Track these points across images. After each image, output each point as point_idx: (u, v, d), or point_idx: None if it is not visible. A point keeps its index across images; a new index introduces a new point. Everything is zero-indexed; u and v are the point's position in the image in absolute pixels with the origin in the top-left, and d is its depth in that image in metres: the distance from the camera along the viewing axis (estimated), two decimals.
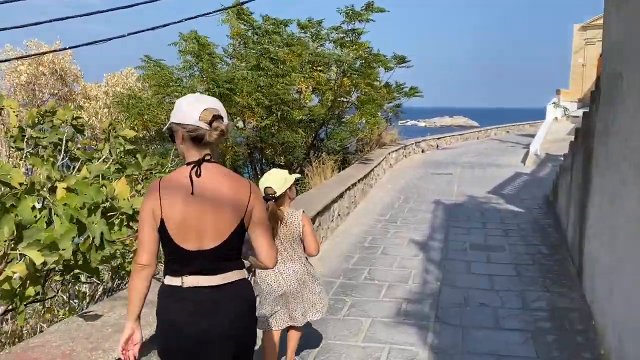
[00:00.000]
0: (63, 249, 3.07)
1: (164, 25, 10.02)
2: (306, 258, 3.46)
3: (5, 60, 11.06)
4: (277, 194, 3.22)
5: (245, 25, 12.65)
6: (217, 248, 1.90)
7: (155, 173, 5.31)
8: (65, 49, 12.17)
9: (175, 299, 1.93)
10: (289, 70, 11.43)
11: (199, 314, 1.90)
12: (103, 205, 3.33)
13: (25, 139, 5.19)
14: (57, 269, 3.28)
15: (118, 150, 5.38)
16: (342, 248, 7.17)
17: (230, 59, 12.51)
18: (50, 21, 9.42)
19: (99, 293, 5.21)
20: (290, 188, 3.32)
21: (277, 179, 3.25)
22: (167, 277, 1.96)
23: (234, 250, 1.96)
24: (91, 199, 3.32)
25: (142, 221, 1.92)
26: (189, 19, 9.85)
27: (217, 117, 1.90)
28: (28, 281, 3.05)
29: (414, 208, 10.03)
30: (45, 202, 3.40)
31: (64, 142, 5.40)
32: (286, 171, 3.40)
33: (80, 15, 9.40)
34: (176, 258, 1.92)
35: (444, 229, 8.24)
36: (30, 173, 5.10)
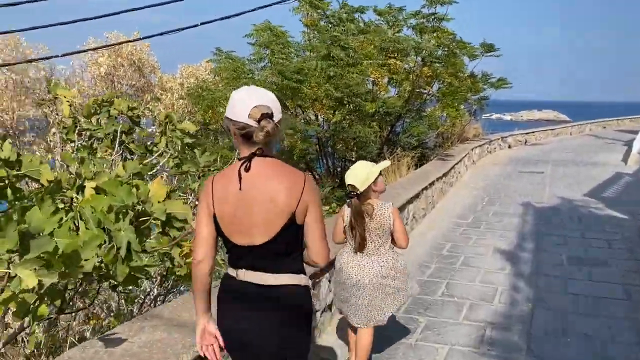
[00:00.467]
0: (85, 260, 2.66)
1: (238, 14, 9.72)
2: (394, 255, 3.38)
3: (82, 52, 11.25)
4: (360, 191, 3.21)
5: (318, 13, 12.14)
6: (268, 244, 1.90)
7: (213, 170, 4.92)
8: (139, 39, 12.25)
9: (229, 291, 2.00)
10: (360, 58, 10.78)
11: (243, 311, 1.95)
12: (134, 209, 2.88)
13: (77, 131, 4.92)
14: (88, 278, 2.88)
15: (177, 144, 5.03)
16: (417, 255, 6.47)
17: (302, 50, 12.05)
18: (118, 13, 9.28)
19: (154, 293, 4.89)
20: (375, 182, 3.25)
21: (358, 175, 3.22)
22: (228, 267, 2.02)
23: (286, 246, 1.93)
24: (121, 201, 2.87)
25: (198, 216, 1.97)
26: (264, 7, 9.46)
27: (266, 116, 1.85)
28: (45, 296, 2.66)
29: (500, 211, 9.10)
30: (73, 204, 3.02)
31: (119, 134, 5.09)
32: (370, 164, 3.33)
33: (152, 6, 9.24)
34: (232, 251, 1.97)
35: (535, 237, 7.31)
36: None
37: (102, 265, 2.71)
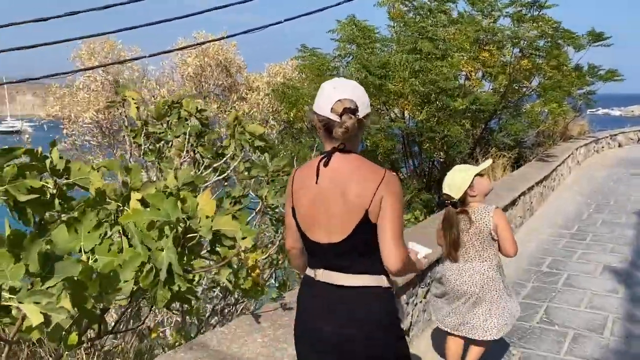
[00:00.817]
0: (125, 281, 2.40)
1: (321, 10, 9.40)
2: (498, 263, 3.21)
3: (167, 52, 11.46)
4: (455, 199, 3.14)
5: (405, 4, 11.55)
6: (343, 242, 1.85)
7: (283, 175, 4.62)
8: (222, 38, 12.30)
9: (307, 291, 2.00)
10: (451, 51, 10.08)
11: (320, 312, 1.92)
12: (180, 225, 2.58)
13: (143, 134, 4.78)
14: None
15: (245, 147, 4.79)
16: (511, 271, 5.78)
17: (388, 44, 11.53)
18: (204, 12, 9.25)
19: (220, 306, 4.67)
20: (471, 186, 3.14)
21: (452, 182, 3.16)
22: (308, 267, 2.02)
23: (364, 246, 1.86)
24: (166, 215, 2.57)
25: (286, 205, 2.03)
26: (347, 1, 9.08)
27: (348, 111, 1.80)
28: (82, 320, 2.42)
29: (609, 220, 8.07)
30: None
31: (187, 136, 4.91)
32: (466, 168, 3.23)
33: (236, 3, 9.15)
34: (309, 249, 1.97)
35: None
36: (149, 174, 4.72)
37: (140, 288, 2.44)
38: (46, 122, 15.75)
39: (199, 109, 4.89)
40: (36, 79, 7.33)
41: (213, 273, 3.07)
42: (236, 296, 4.49)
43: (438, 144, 10.79)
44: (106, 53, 14.57)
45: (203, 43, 12.50)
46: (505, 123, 11.62)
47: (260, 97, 14.53)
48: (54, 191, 2.86)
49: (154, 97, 13.98)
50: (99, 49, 14.59)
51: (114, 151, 13.94)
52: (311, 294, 1.98)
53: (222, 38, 12.17)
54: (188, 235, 2.65)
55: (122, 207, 2.88)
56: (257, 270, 3.42)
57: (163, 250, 2.50)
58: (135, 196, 2.84)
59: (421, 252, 2.30)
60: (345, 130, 1.80)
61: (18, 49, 9.22)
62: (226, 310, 4.52)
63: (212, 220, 2.66)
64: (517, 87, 11.53)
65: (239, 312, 4.68)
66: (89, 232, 2.57)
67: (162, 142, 4.88)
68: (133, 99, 4.80)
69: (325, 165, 1.87)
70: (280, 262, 4.76)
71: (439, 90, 10.09)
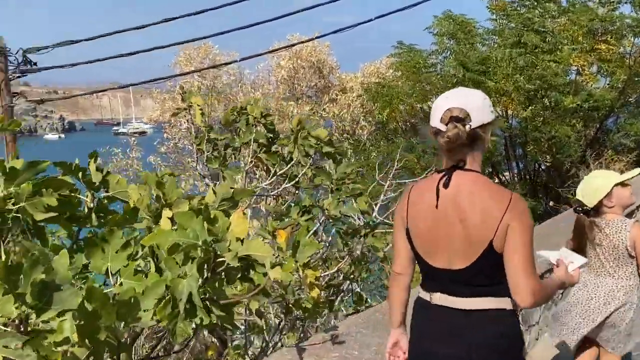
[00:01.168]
0: (145, 310, 2.17)
1: (414, 5, 8.92)
2: (636, 283, 2.96)
3: (259, 55, 11.54)
4: (588, 207, 2.94)
5: None
6: (466, 270, 1.74)
7: (349, 184, 4.28)
8: (311, 39, 12.09)
9: (423, 314, 1.90)
10: (560, 43, 9.13)
11: (438, 335, 1.84)
12: (208, 249, 2.31)
13: (205, 140, 4.63)
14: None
15: (310, 153, 4.49)
16: None
17: (489, 37, 10.76)
18: (295, 12, 9.13)
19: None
20: (609, 195, 2.89)
21: (586, 187, 2.97)
22: (420, 289, 1.92)
23: (489, 276, 1.75)
24: (194, 237, 2.31)
25: (395, 226, 1.92)
26: None
27: (454, 119, 1.68)
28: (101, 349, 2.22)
29: None
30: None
31: (251, 143, 4.69)
32: (605, 175, 3.05)
33: (326, 3, 8.93)
34: (425, 272, 1.88)
35: None
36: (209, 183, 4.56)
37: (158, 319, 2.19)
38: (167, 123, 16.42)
39: (263, 114, 4.64)
40: (125, 86, 7.59)
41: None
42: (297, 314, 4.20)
43: (544, 145, 9.87)
44: (202, 58, 14.98)
45: (293, 45, 12.42)
46: (624, 122, 10.40)
47: (351, 98, 14.24)
48: (92, 205, 2.70)
49: (249, 101, 14.17)
50: (195, 54, 15.04)
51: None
52: (427, 317, 1.88)
53: (312, 39, 12.02)
54: (219, 260, 2.38)
55: (154, 225, 2.66)
56: (317, 290, 3.11)
57: (184, 278, 2.22)
58: (166, 214, 2.60)
59: (576, 262, 2.09)
60: (447, 139, 1.69)
61: (119, 56, 9.62)
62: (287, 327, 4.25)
63: (242, 244, 2.36)
64: (638, 82, 10.26)
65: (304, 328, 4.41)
66: (116, 252, 2.36)
67: (230, 148, 4.70)
68: (198, 105, 4.67)
69: (445, 186, 1.75)
70: (355, 275, 4.46)
71: (546, 86, 9.20)
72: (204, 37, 11.91)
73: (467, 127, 1.69)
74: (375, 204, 6.82)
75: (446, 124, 1.69)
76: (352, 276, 4.55)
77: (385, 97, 11.41)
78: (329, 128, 15.80)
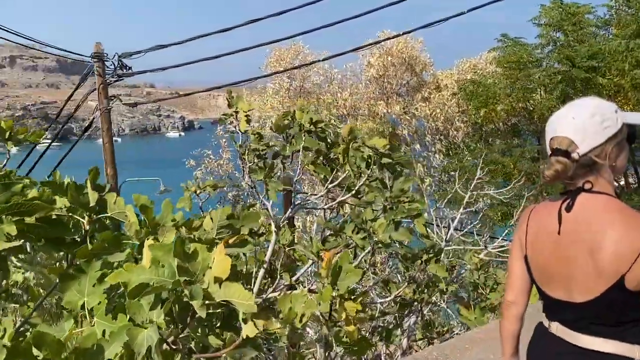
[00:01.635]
0: None
1: None
2: None
3: (345, 52, 11.07)
4: None
5: None
6: (587, 305, 1.60)
7: (407, 202, 3.80)
8: (397, 35, 11.37)
9: (540, 342, 1.80)
10: None
11: None
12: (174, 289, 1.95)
13: (246, 149, 4.27)
14: None
15: (360, 165, 4.03)
16: None
17: (603, 28, 9.54)
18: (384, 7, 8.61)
19: None
20: None
21: None
22: (543, 315, 1.80)
23: (612, 314, 1.59)
24: (170, 275, 1.95)
25: (511, 251, 1.82)
26: None
27: (556, 152, 1.58)
28: None
29: None
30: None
31: (300, 151, 4.29)
32: None
33: None
34: (544, 301, 1.77)
35: None
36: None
37: None
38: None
39: (314, 120, 4.20)
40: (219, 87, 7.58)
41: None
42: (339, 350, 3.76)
43: None
44: (291, 58, 14.79)
45: (380, 41, 11.80)
46: None
47: (446, 97, 13.40)
48: (87, 228, 2.43)
49: (336, 100, 13.84)
50: (285, 54, 14.87)
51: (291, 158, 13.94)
52: (544, 346, 1.78)
53: (401, 34, 11.34)
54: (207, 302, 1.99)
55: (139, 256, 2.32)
56: (352, 327, 2.70)
57: (146, 326, 1.87)
58: (149, 242, 2.24)
59: None
60: (553, 174, 1.59)
61: (206, 59, 9.65)
62: None
63: (220, 287, 1.95)
64: None
65: None
66: (93, 286, 2.08)
67: (280, 158, 4.31)
68: (244, 110, 4.33)
69: (568, 209, 1.63)
70: (422, 298, 4.01)
71: None
72: (290, 37, 11.70)
73: (575, 155, 1.56)
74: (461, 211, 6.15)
75: (550, 154, 1.61)
76: (415, 301, 4.08)
77: (480, 97, 10.50)
78: (420, 128, 15.09)
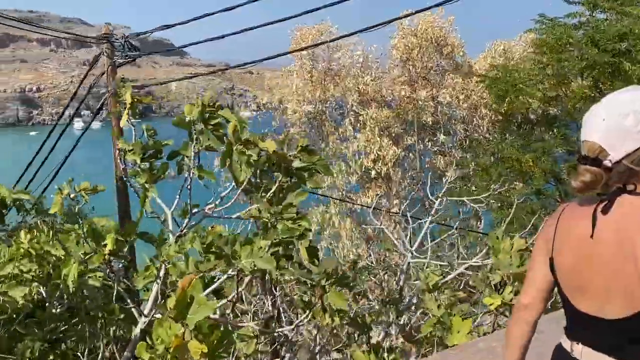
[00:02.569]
0: None
1: None
2: None
3: (357, 32, 10.34)
4: None
5: None
6: (626, 322, 1.44)
7: (290, 219, 3.38)
8: (420, 10, 10.30)
9: None
10: None
11: None
12: None
13: (132, 148, 3.87)
14: None
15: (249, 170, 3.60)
16: None
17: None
18: None
19: None
20: None
21: None
22: (563, 333, 1.64)
23: None
24: None
25: (535, 250, 1.70)
26: None
27: (584, 161, 1.47)
28: None
29: None
30: None
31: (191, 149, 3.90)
32: None
33: None
34: (569, 315, 1.61)
35: None
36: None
37: None
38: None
39: (208, 116, 3.69)
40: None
41: None
42: None
43: None
44: (315, 38, 14.03)
45: (397, 18, 10.84)
46: None
47: (473, 83, 12.42)
48: None
49: (357, 84, 13.16)
50: (307, 34, 14.16)
51: (322, 144, 13.57)
52: None
53: (422, 10, 10.41)
54: None
55: None
56: None
57: None
58: None
59: None
60: (581, 185, 1.47)
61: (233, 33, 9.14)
62: None
63: None
64: None
65: None
66: None
67: (181, 157, 3.83)
68: (128, 101, 3.91)
69: (605, 212, 1.47)
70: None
71: None
72: (313, 10, 11.01)
73: (607, 163, 1.44)
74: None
75: (578, 160, 1.49)
76: None
77: (502, 85, 9.55)
78: (444, 114, 14.09)
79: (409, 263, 5.21)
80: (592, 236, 1.48)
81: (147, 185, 3.67)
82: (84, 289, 3.43)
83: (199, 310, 2.41)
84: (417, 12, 9.77)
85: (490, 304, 3.36)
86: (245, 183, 3.33)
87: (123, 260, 3.63)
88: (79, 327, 3.44)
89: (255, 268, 2.92)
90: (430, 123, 12.97)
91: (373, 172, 11.83)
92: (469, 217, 10.42)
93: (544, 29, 10.15)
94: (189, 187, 3.59)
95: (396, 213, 9.35)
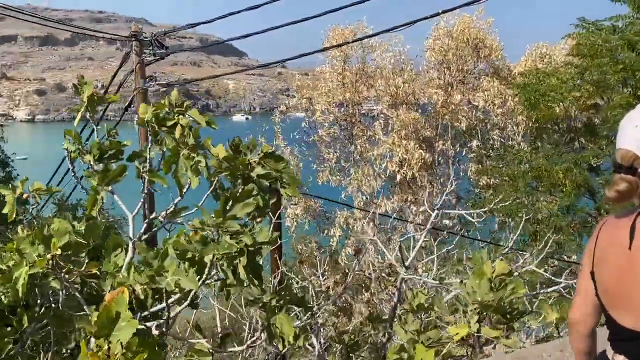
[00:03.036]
0: None
1: None
2: None
3: (384, 31, 10.03)
4: None
5: None
6: None
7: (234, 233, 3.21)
8: (454, 8, 9.72)
9: None
10: None
11: None
12: None
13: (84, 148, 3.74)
14: None
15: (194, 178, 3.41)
16: None
17: None
18: None
19: None
20: None
21: None
22: (608, 342, 1.64)
23: None
24: None
25: (582, 264, 1.68)
26: None
27: (619, 168, 1.46)
28: None
29: None
30: None
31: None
32: None
33: None
34: (609, 327, 1.61)
35: None
36: None
37: None
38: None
39: (160, 117, 3.52)
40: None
41: None
42: None
43: None
44: (347, 38, 13.69)
45: (432, 15, 10.35)
46: None
47: (497, 91, 11.85)
48: None
49: (389, 87, 12.80)
50: (340, 35, 13.84)
51: (351, 146, 13.30)
52: None
53: (457, 7, 9.91)
54: None
55: None
56: None
57: None
58: None
59: None
60: (616, 194, 1.47)
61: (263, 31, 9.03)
62: None
63: None
64: None
65: None
66: None
67: (142, 159, 3.70)
68: (85, 99, 3.79)
69: None
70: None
71: None
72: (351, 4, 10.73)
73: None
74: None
75: (613, 171, 1.50)
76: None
77: (531, 93, 9.02)
78: (477, 119, 13.46)
79: (402, 279, 4.94)
80: (630, 248, 1.47)
81: (98, 188, 3.54)
82: (47, 291, 3.35)
83: (123, 328, 2.27)
84: (443, 12, 9.28)
85: (455, 334, 3.06)
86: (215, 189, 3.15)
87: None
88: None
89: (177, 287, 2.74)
90: (464, 128, 12.49)
91: (398, 176, 11.50)
92: (495, 230, 9.94)
93: (583, 34, 9.57)
94: (145, 191, 3.45)
95: (415, 222, 9.00)
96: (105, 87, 12.14)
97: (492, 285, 3.51)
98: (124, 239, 3.47)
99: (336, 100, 13.43)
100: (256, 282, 3.07)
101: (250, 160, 3.27)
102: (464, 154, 12.91)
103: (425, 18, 10.84)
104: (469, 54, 12.90)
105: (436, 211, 5.26)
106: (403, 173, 11.40)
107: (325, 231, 12.19)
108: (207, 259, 2.77)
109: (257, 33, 8.70)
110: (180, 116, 3.40)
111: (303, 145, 14.14)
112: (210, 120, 3.32)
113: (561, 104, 9.64)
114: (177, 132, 3.21)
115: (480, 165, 11.84)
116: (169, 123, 3.52)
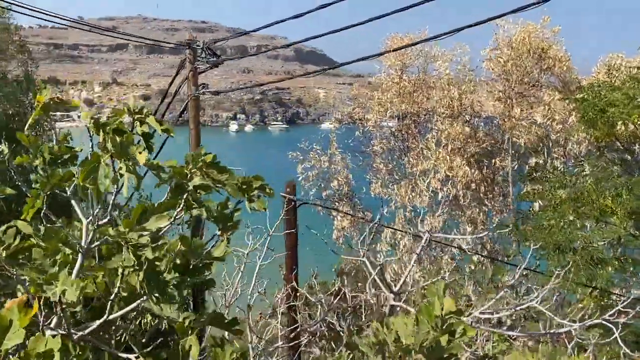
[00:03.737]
0: None
1: None
2: None
3: (435, 38, 9.61)
4: None
5: None
6: None
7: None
8: (515, 10, 9.06)
9: None
10: None
11: None
12: None
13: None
14: None
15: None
16: None
17: None
18: None
19: None
20: None
21: None
22: None
23: None
24: None
25: None
26: None
27: None
28: None
29: None
30: None
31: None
32: None
33: None
34: None
35: None
36: None
37: None
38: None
39: (109, 128, 3.63)
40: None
41: None
42: None
43: None
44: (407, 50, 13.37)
45: (491, 19, 9.85)
46: None
47: (557, 108, 10.96)
48: None
49: (443, 98, 12.33)
50: (399, 43, 13.55)
51: (405, 158, 13.01)
52: None
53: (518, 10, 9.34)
54: None
55: None
56: None
57: None
58: None
59: None
60: None
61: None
62: None
63: None
64: None
65: None
66: None
67: None
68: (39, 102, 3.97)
69: None
70: None
71: None
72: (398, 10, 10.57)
73: None
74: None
75: None
76: None
77: (589, 109, 8.30)
78: (539, 131, 12.51)
79: (391, 306, 4.74)
80: None
81: (41, 193, 3.66)
82: None
83: (13, 336, 2.33)
84: (488, 19, 8.78)
85: None
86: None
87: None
88: None
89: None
90: (523, 144, 11.74)
91: (440, 194, 10.99)
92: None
93: None
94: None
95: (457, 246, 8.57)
96: (163, 93, 12.70)
97: (434, 325, 3.16)
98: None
99: (393, 110, 13.18)
100: (156, 297, 3.01)
101: (191, 171, 3.24)
102: (525, 171, 12.19)
103: (475, 24, 10.36)
104: (530, 65, 12.14)
105: (427, 234, 5.01)
106: (447, 191, 10.90)
107: (373, 246, 11.99)
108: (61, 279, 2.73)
109: (335, 31, 8.45)
110: (118, 120, 3.45)
111: (359, 155, 13.98)
112: (168, 128, 3.35)
113: (625, 121, 8.77)
114: (100, 138, 3.26)
115: (540, 187, 11.08)
116: (108, 128, 3.58)
